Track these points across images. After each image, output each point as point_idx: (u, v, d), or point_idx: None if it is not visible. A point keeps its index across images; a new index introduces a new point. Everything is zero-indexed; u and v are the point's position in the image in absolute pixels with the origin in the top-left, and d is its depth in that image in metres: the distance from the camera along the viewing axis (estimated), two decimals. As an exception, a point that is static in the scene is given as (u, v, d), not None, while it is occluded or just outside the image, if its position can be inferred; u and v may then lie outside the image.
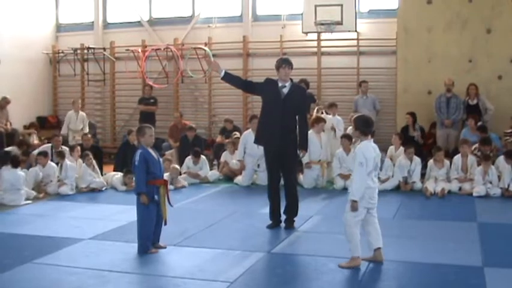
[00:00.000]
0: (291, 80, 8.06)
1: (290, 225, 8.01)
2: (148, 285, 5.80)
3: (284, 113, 7.81)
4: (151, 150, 6.94)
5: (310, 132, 11.50)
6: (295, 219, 8.08)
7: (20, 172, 10.16)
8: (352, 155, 6.40)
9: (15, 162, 10.18)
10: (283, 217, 8.11)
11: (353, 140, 11.97)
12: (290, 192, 8.08)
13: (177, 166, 11.90)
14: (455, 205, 9.73)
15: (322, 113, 12.59)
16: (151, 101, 15.47)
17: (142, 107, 15.35)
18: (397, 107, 13.95)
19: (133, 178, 7.49)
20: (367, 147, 6.21)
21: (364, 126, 6.29)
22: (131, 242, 6.93)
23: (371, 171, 6.18)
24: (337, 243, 6.90)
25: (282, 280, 5.90)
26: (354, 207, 6.10)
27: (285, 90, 7.90)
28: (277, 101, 7.87)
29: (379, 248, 6.27)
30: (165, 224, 6.94)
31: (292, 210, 8.09)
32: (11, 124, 14.88)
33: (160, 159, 7.20)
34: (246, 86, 8.56)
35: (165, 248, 6.92)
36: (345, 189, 10.35)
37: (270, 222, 8.09)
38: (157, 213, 6.83)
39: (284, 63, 7.94)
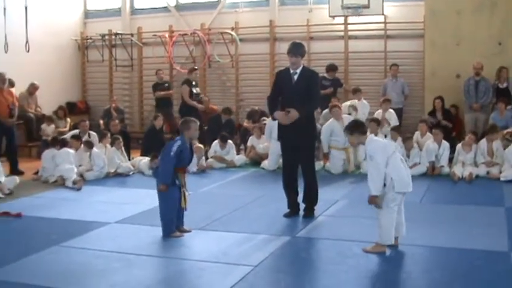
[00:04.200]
0: (303, 65, 7.89)
1: (310, 214, 7.75)
2: (172, 269, 5.85)
3: (297, 98, 7.59)
4: (188, 144, 6.95)
5: (332, 120, 11.47)
6: (315, 208, 7.86)
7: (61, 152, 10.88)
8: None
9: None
10: (302, 205, 7.87)
11: (380, 124, 11.94)
12: (308, 181, 7.84)
13: (201, 146, 11.79)
14: (482, 190, 9.62)
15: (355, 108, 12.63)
16: (166, 85, 15.31)
17: (161, 94, 15.05)
18: (425, 90, 13.81)
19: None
20: (371, 141, 6.20)
21: (359, 128, 6.26)
22: (157, 225, 6.96)
23: (394, 152, 6.11)
24: (362, 227, 6.89)
25: (306, 264, 5.91)
26: (375, 201, 6.03)
27: (296, 76, 7.74)
28: (289, 86, 7.73)
29: (397, 237, 6.22)
30: (186, 209, 6.97)
31: (311, 199, 7.85)
32: (40, 109, 15.15)
33: (193, 147, 7.19)
34: (275, 97, 8.01)
35: (190, 231, 6.97)
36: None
37: (288, 210, 7.85)
38: (179, 196, 6.85)
39: (288, 53, 7.75)
